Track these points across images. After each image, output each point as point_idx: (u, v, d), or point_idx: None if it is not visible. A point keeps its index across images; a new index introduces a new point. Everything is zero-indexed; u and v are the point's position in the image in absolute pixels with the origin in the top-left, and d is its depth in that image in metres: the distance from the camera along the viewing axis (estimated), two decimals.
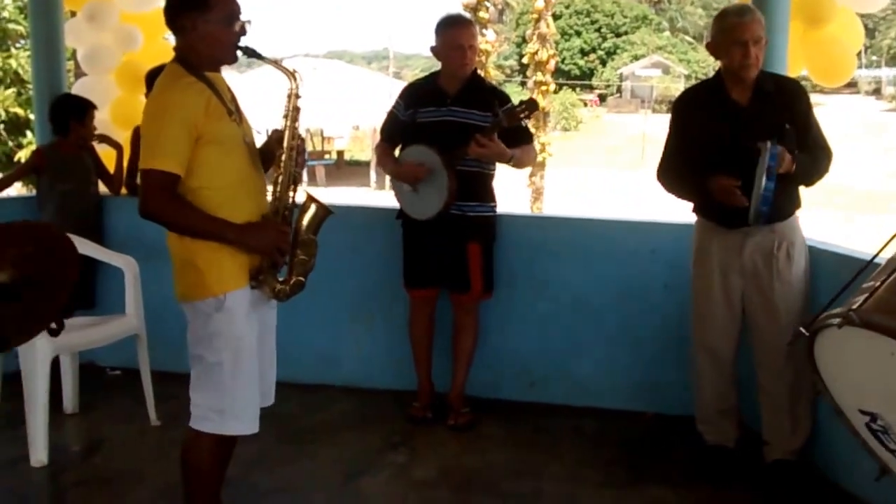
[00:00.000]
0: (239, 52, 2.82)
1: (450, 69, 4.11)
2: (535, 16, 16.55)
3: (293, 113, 2.91)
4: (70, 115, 4.76)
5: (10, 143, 11.44)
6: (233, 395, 2.80)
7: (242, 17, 2.80)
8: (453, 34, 4.07)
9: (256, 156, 2.92)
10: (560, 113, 36.82)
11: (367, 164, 24.50)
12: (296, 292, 2.92)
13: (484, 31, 15.96)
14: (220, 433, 2.83)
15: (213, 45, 2.75)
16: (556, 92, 23.53)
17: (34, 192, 4.99)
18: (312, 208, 2.96)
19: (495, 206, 4.25)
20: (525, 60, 16.80)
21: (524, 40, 25.47)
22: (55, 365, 4.36)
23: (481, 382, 4.51)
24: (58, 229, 2.31)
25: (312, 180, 22.07)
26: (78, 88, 5.44)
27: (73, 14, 5.54)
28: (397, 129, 4.23)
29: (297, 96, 2.91)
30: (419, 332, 4.37)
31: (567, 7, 51.13)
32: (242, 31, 2.80)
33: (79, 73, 5.73)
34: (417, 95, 4.20)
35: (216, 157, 2.72)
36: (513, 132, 3.99)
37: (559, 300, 4.52)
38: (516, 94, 22.86)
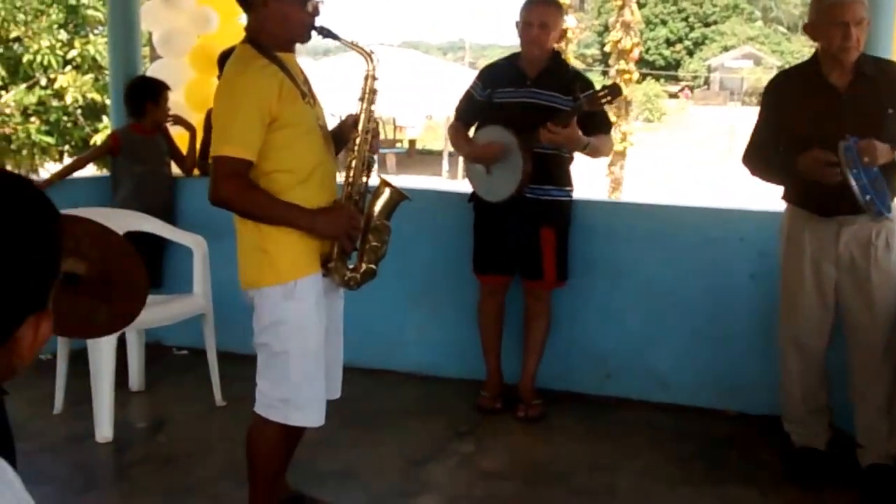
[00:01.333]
0: (313, 33, 2.77)
1: (521, 47, 4.05)
2: (619, 3, 16.31)
3: (369, 95, 2.87)
4: (145, 97, 4.83)
5: (87, 128, 11.74)
6: (298, 385, 2.78)
7: None
8: (525, 10, 4.01)
9: (329, 139, 2.89)
10: (643, 104, 36.34)
11: (440, 153, 24.54)
12: (366, 280, 2.90)
13: (565, 16, 15.78)
14: (283, 423, 2.82)
15: (285, 25, 2.70)
16: (639, 82, 23.19)
17: (108, 172, 5.09)
18: (386, 193, 2.92)
19: (571, 191, 4.17)
20: (607, 49, 16.59)
21: (606, 28, 25.19)
22: (122, 343, 4.47)
23: (553, 373, 4.44)
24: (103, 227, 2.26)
25: (382, 168, 22.20)
26: (153, 71, 5.51)
27: None
28: (473, 110, 4.17)
29: (374, 78, 2.86)
30: (489, 319, 4.31)
31: None
32: (316, 11, 2.75)
33: (154, 57, 5.80)
34: (496, 75, 4.14)
35: (289, 140, 2.69)
36: (591, 119, 3.92)
37: (638, 290, 4.42)
38: (598, 84, 22.51)
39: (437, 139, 26.94)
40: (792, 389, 3.68)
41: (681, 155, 29.58)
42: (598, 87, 3.93)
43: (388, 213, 2.93)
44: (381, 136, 22.79)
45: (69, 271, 2.03)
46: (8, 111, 10.83)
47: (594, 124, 3.96)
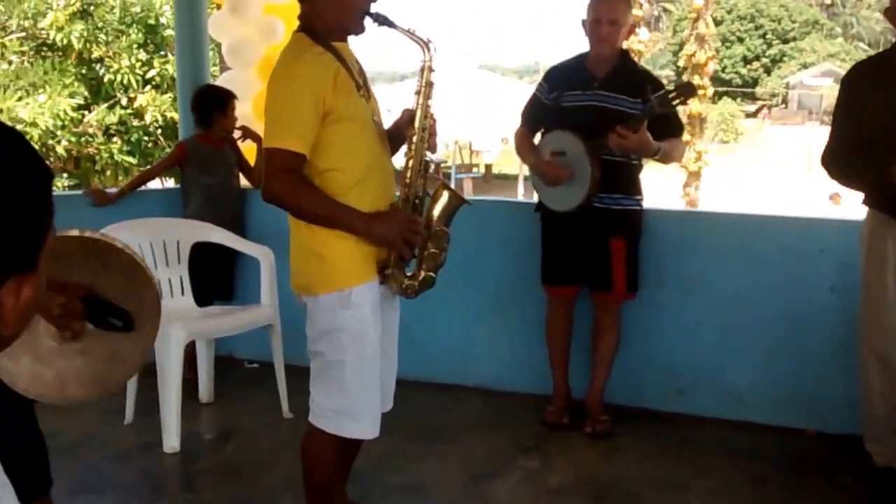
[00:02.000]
0: (368, 21, 2.65)
1: (590, 46, 3.95)
2: (694, 15, 16.04)
3: (426, 89, 2.74)
4: (212, 106, 4.82)
5: (168, 147, 11.98)
6: (353, 395, 2.70)
7: None
8: (593, 6, 3.89)
9: (385, 137, 2.77)
10: (718, 124, 35.70)
11: (516, 177, 24.46)
12: (425, 289, 2.81)
13: (637, 29, 15.64)
14: (336, 434, 2.74)
15: (340, 12, 2.60)
16: (714, 101, 22.76)
17: (176, 183, 5.12)
18: (445, 196, 2.81)
19: (642, 200, 4.06)
20: (681, 63, 16.32)
21: (681, 48, 24.87)
22: (194, 355, 4.51)
23: (622, 389, 4.33)
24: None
25: (459, 192, 22.24)
26: (222, 82, 5.51)
27: (219, 7, 5.65)
28: (539, 114, 4.09)
29: (431, 69, 2.72)
30: (556, 332, 4.22)
31: (729, 12, 49.53)
32: None
33: (224, 68, 5.85)
34: (562, 77, 4.03)
35: (345, 136, 2.58)
36: (663, 122, 3.79)
37: (712, 302, 4.28)
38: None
39: (513, 163, 26.89)
40: (874, 407, 3.51)
41: (757, 175, 29.01)
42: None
43: (448, 219, 2.81)
44: (458, 161, 22.65)
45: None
46: (91, 131, 11.08)
47: (666, 127, 3.83)
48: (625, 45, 4.08)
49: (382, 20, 2.66)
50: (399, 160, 2.87)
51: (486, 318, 4.73)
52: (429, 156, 2.78)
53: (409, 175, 2.74)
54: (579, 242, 4.00)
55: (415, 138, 2.73)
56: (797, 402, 4.18)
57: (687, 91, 3.77)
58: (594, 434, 4.09)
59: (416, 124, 2.74)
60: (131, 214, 4.37)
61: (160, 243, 4.34)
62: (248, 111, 5.40)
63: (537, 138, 4.12)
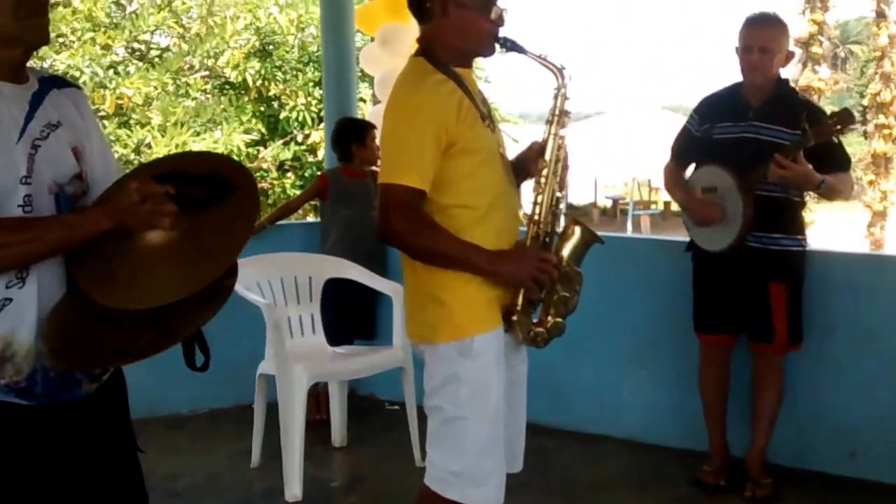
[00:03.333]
0: (496, 45, 2.48)
1: (742, 75, 3.64)
2: (878, 54, 15.20)
3: (559, 117, 2.54)
4: (350, 138, 4.76)
5: None
6: (474, 457, 2.45)
7: (500, 5, 2.45)
8: (743, 33, 3.60)
9: (510, 170, 2.57)
10: None
11: None
12: (554, 336, 2.56)
13: (817, 67, 14.77)
14: (457, 500, 2.48)
15: (466, 35, 2.43)
16: None
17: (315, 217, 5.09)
18: (577, 234, 2.56)
19: (804, 240, 3.68)
20: (865, 102, 15.42)
21: (866, 89, 23.47)
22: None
23: (787, 448, 3.92)
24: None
25: (637, 229, 21.83)
26: (373, 115, 5.51)
27: (372, 40, 5.62)
28: (690, 147, 3.79)
29: (566, 97, 2.53)
30: (710, 384, 3.86)
31: None
32: (500, 20, 2.45)
33: (377, 101, 5.85)
34: (715, 108, 3.73)
35: (469, 169, 2.41)
36: (825, 154, 3.43)
37: (889, 355, 3.83)
38: (857, 145, 21.02)
39: None
40: None
41: None
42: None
43: (579, 259, 2.56)
44: (637, 198, 22.21)
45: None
46: (265, 166, 11.46)
47: (829, 160, 3.47)
48: (795, 77, 3.72)
49: (512, 45, 2.49)
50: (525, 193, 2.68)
51: (634, 363, 4.43)
52: (559, 192, 2.56)
53: (538, 212, 2.53)
54: (735, 286, 3.65)
55: (545, 171, 2.53)
56: None
57: (844, 119, 3.37)
58: (755, 499, 3.73)
59: (548, 156, 2.53)
60: (269, 248, 4.35)
61: (291, 279, 4.28)
62: None
63: (689, 173, 3.83)
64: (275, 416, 4.02)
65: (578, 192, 21.32)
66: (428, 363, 2.50)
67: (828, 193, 3.53)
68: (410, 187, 2.35)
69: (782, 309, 3.61)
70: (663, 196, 26.37)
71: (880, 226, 15.08)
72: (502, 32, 2.47)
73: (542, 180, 2.53)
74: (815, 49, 14.80)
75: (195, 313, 1.82)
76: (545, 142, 2.54)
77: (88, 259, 1.81)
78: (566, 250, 2.55)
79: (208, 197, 1.82)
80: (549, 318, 2.55)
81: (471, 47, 2.48)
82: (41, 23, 1.83)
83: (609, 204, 22.69)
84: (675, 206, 23.39)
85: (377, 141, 4.73)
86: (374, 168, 4.90)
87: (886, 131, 15.05)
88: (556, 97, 2.54)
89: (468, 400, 2.42)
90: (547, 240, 2.53)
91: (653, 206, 25.53)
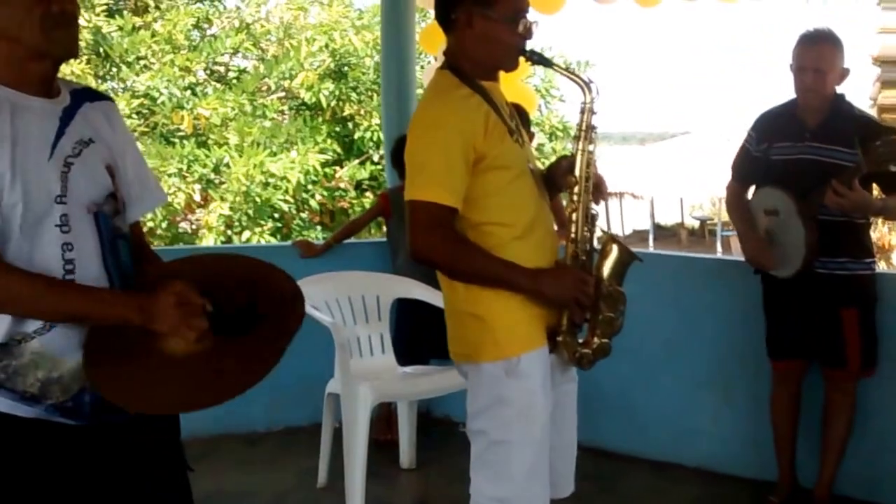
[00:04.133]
0: (522, 58, 2.45)
1: (797, 95, 3.58)
2: None
3: (587, 132, 2.49)
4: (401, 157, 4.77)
5: None
6: (519, 483, 2.40)
7: (529, 17, 2.42)
8: (797, 53, 3.53)
9: (542, 187, 2.52)
10: None
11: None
12: (599, 358, 2.52)
13: (842, 53, 14.08)
14: None
15: (492, 48, 2.40)
16: None
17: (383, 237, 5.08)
18: (615, 251, 2.52)
19: (873, 263, 3.60)
20: None
21: None
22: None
23: (856, 479, 3.81)
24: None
25: (727, 250, 21.43)
26: None
27: (435, 58, 5.61)
28: (750, 167, 3.73)
29: (593, 112, 2.48)
30: (781, 411, 3.81)
31: None
32: (528, 33, 2.42)
33: None
34: (772, 127, 3.67)
35: (499, 185, 2.37)
36: (885, 175, 3.32)
37: None
38: None
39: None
40: None
41: None
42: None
43: (620, 277, 2.52)
44: (725, 218, 21.57)
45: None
46: (343, 185, 11.56)
47: (890, 181, 3.39)
48: (874, 95, 3.64)
49: (538, 59, 2.47)
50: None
51: (707, 389, 4.36)
52: (594, 208, 2.53)
53: (574, 229, 2.48)
54: (804, 312, 3.60)
55: (576, 188, 2.48)
56: None
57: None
58: None
59: (578, 172, 2.48)
60: (337, 266, 4.40)
61: (359, 298, 4.30)
62: None
63: (751, 193, 3.79)
64: (341, 435, 4.03)
65: (665, 213, 21.02)
66: (471, 384, 2.46)
67: (889, 215, 3.47)
68: (439, 204, 2.30)
69: (855, 334, 3.54)
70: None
71: None
72: (529, 45, 2.44)
73: (575, 198, 2.49)
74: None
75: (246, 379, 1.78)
76: (573, 158, 2.49)
77: (107, 339, 1.78)
78: (606, 269, 2.52)
79: (242, 325, 1.78)
80: (595, 339, 2.52)
81: (496, 60, 2.45)
82: (69, 35, 1.82)
83: (696, 224, 22.37)
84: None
85: None
86: None
87: None
88: (582, 112, 2.50)
89: (514, 422, 2.38)
90: (585, 258, 2.50)
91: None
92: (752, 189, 3.79)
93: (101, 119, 1.94)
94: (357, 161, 11.40)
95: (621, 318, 2.52)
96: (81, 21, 1.80)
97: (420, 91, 5.50)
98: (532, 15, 2.45)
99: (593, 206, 2.52)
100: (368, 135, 11.18)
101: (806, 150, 3.51)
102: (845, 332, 3.54)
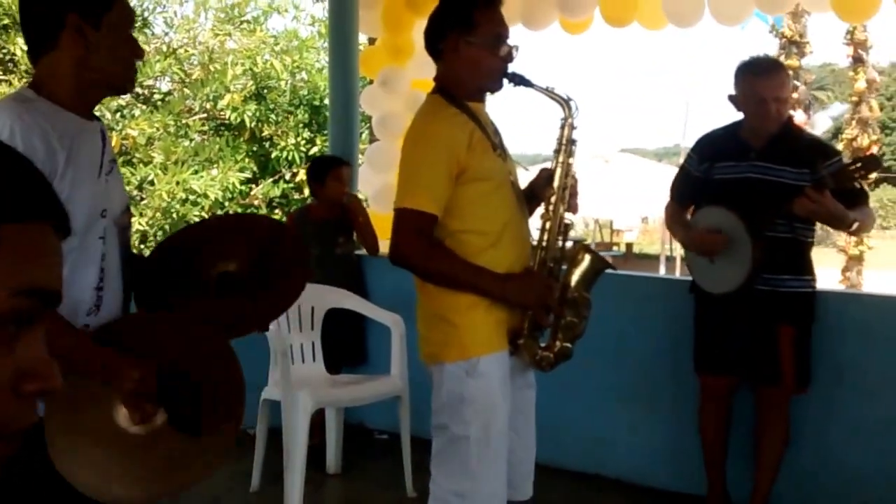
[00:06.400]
0: (505, 80, 2.46)
1: (750, 124, 3.36)
2: (856, 99, 14.90)
3: (567, 146, 2.50)
4: (310, 177, 4.56)
5: None
6: (477, 477, 2.37)
7: (510, 42, 2.44)
8: (753, 83, 3.29)
9: (522, 198, 2.54)
10: (877, 210, 33.93)
11: (657, 256, 23.78)
12: (560, 361, 2.45)
13: (792, 111, 14.71)
14: None
15: (475, 71, 2.43)
16: (873, 188, 21.33)
17: None
18: (586, 260, 2.47)
19: (813, 281, 3.39)
20: (840, 147, 15.04)
21: (836, 133, 23.43)
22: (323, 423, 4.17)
23: (792, 496, 3.58)
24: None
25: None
26: (369, 153, 5.46)
27: (371, 82, 5.54)
28: (690, 187, 3.52)
29: (573, 127, 2.49)
30: (710, 427, 3.54)
31: (889, 99, 46.65)
32: (509, 57, 2.44)
33: (373, 139, 5.67)
34: (714, 148, 3.45)
35: (480, 196, 2.38)
36: (844, 192, 3.14)
37: None
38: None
39: (654, 242, 26.33)
40: None
41: None
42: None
43: (588, 285, 2.48)
44: (598, 240, 22.35)
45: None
46: (256, 203, 11.34)
47: (851, 198, 3.20)
48: None
49: (520, 80, 2.47)
50: (535, 221, 2.60)
51: (629, 401, 4.10)
52: (569, 217, 2.49)
53: (545, 237, 2.48)
54: (740, 328, 3.36)
55: (553, 198, 2.49)
56: None
57: (869, 165, 3.11)
58: None
59: (556, 183, 2.49)
60: None
61: (295, 308, 4.02)
62: (393, 180, 5.12)
63: (689, 216, 3.56)
64: (273, 440, 3.80)
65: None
66: (435, 383, 2.43)
67: (857, 230, 3.29)
68: (422, 211, 2.33)
69: (790, 351, 3.31)
70: (625, 238, 26.46)
71: (857, 270, 14.60)
72: (511, 68, 2.46)
73: (551, 207, 2.49)
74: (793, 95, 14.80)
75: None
76: (553, 170, 2.51)
77: (68, 411, 1.64)
78: (575, 276, 2.48)
79: (192, 423, 1.71)
80: (557, 342, 2.46)
81: (480, 83, 2.48)
82: (136, 76, 1.94)
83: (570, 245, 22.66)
84: (636, 249, 23.54)
85: (344, 178, 4.47)
86: (356, 199, 4.68)
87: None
88: (562, 127, 2.52)
89: (473, 420, 2.36)
90: (553, 265, 2.48)
91: (615, 248, 25.55)
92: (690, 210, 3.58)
93: (110, 140, 2.00)
94: (271, 179, 11.28)
95: (584, 322, 2.47)
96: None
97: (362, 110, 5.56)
98: (514, 40, 2.48)
99: (569, 216, 2.51)
100: (284, 154, 11.07)
101: (751, 170, 3.30)
102: (781, 349, 3.31)
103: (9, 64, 10.34)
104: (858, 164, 3.07)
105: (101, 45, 1.79)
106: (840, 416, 3.60)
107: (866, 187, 3.26)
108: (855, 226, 3.18)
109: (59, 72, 1.80)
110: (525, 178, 2.66)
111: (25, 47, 1.86)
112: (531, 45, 22.57)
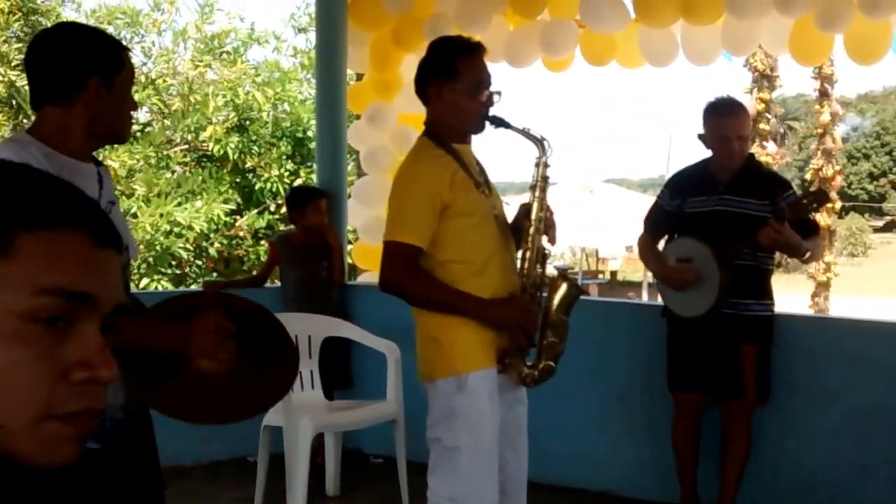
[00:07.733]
0: (486, 123, 2.73)
1: (717, 159, 3.76)
2: (820, 131, 15.58)
3: (541, 183, 2.77)
4: (290, 206, 4.85)
5: None
6: (468, 484, 2.62)
7: (492, 88, 2.70)
8: (719, 124, 3.70)
9: (507, 230, 2.79)
10: (846, 238, 34.43)
11: (640, 284, 24.14)
12: (544, 378, 2.74)
13: (765, 143, 15.26)
14: None
15: (458, 115, 2.68)
16: (841, 216, 21.92)
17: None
18: (564, 287, 2.75)
19: (772, 305, 3.78)
20: (808, 177, 15.74)
21: (806, 163, 24.12)
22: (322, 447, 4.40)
23: (754, 498, 3.95)
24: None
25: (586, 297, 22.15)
26: (356, 187, 5.63)
27: (358, 118, 5.70)
28: (662, 221, 3.91)
29: (546, 165, 2.77)
30: (683, 440, 3.91)
31: (854, 130, 48.03)
32: (489, 101, 2.70)
33: (361, 174, 5.90)
34: (685, 184, 3.85)
35: (464, 229, 2.63)
36: (799, 224, 3.55)
37: (850, 414, 3.91)
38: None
39: (637, 270, 26.65)
40: None
41: (889, 288, 27.49)
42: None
43: (567, 309, 2.75)
44: (585, 268, 22.57)
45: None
46: (241, 234, 11.41)
47: (804, 229, 3.59)
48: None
49: (499, 122, 2.74)
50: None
51: (610, 419, 4.47)
52: (548, 247, 2.79)
53: (525, 266, 2.75)
54: (707, 349, 3.74)
55: (531, 230, 2.74)
56: None
57: (820, 198, 3.54)
58: None
59: (532, 216, 2.74)
60: None
61: (294, 338, 4.25)
62: (381, 214, 5.38)
63: (661, 246, 3.94)
64: (274, 466, 4.01)
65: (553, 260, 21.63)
66: (430, 399, 2.68)
67: (810, 258, 3.68)
68: (407, 243, 2.58)
69: (752, 369, 3.70)
70: (610, 265, 26.80)
71: (824, 296, 15.28)
72: (492, 111, 2.72)
73: (529, 238, 2.74)
74: (762, 126, 15.39)
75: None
76: (530, 204, 2.77)
77: (143, 365, 1.87)
78: (555, 301, 2.75)
79: (258, 350, 1.94)
80: (542, 361, 2.73)
81: (464, 126, 2.72)
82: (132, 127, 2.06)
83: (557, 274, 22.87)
84: (621, 276, 23.79)
85: (322, 209, 4.73)
86: (334, 230, 4.92)
87: (829, 205, 15.43)
88: (537, 165, 2.78)
89: (462, 432, 2.59)
90: (534, 291, 2.73)
91: (600, 276, 25.88)
92: (662, 242, 3.95)
93: (109, 182, 2.08)
94: (256, 211, 11.31)
95: (564, 343, 2.75)
96: None
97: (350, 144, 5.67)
98: (497, 80, 2.72)
99: (547, 246, 2.78)
100: (268, 185, 11.12)
101: (720, 203, 3.67)
102: (744, 366, 3.69)
103: None
104: (811, 199, 3.49)
105: (111, 103, 1.92)
106: (795, 426, 3.99)
107: (819, 219, 3.68)
108: (808, 255, 3.56)
109: (72, 126, 1.90)
110: (509, 211, 2.93)
111: (28, 88, 1.94)
112: (517, 80, 23.07)
